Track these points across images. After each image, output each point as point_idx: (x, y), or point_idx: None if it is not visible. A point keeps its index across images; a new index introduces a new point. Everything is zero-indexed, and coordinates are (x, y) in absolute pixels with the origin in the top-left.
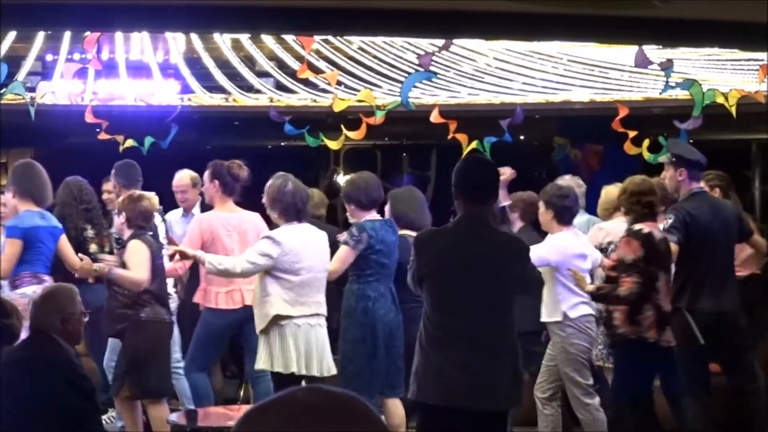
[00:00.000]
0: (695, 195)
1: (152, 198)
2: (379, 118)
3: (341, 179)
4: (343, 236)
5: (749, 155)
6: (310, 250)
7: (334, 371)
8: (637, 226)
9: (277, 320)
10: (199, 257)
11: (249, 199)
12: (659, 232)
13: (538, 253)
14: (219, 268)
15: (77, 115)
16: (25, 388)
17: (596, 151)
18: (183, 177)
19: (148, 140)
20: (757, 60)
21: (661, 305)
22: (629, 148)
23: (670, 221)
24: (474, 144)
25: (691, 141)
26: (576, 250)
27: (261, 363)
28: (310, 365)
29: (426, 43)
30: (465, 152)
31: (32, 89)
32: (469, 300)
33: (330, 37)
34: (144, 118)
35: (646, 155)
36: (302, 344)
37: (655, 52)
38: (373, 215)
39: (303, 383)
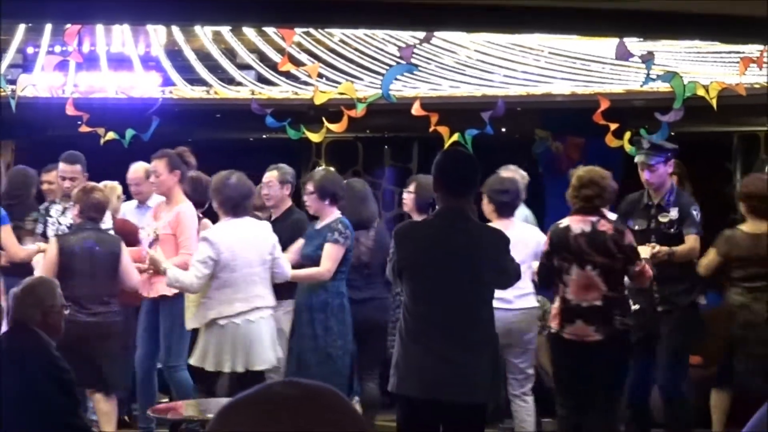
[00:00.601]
0: (679, 188)
1: (115, 188)
2: (360, 110)
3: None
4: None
5: (730, 147)
6: (247, 245)
7: (273, 364)
8: (562, 220)
9: (216, 320)
10: (165, 268)
11: None
12: (588, 226)
13: None
14: (175, 284)
15: (58, 107)
16: (5, 380)
17: (577, 144)
18: (137, 169)
19: (129, 133)
20: (738, 52)
21: (569, 299)
22: (610, 141)
23: (699, 214)
24: (455, 136)
25: (672, 133)
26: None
27: (193, 359)
28: (244, 361)
29: (407, 36)
30: (446, 145)
31: (13, 82)
32: (448, 292)
33: (311, 30)
34: (125, 110)
35: (628, 148)
36: (239, 342)
37: (635, 45)
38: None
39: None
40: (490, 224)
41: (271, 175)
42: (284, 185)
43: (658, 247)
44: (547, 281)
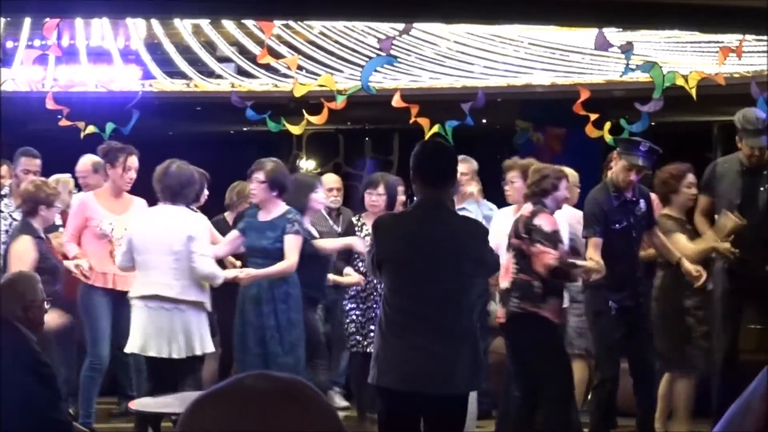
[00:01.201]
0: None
1: (68, 182)
2: (340, 102)
3: (303, 164)
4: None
5: (711, 137)
6: (155, 231)
7: (184, 354)
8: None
9: (131, 300)
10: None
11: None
12: (518, 213)
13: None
14: (119, 265)
15: (38, 101)
16: None
17: (558, 135)
18: (85, 162)
19: (110, 126)
20: (717, 42)
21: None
22: (591, 131)
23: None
24: (436, 128)
25: (652, 123)
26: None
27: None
28: (141, 344)
29: (387, 28)
30: (427, 136)
31: None
32: (428, 284)
33: (291, 22)
34: (105, 104)
35: (608, 138)
36: (141, 325)
37: (615, 35)
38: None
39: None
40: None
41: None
42: None
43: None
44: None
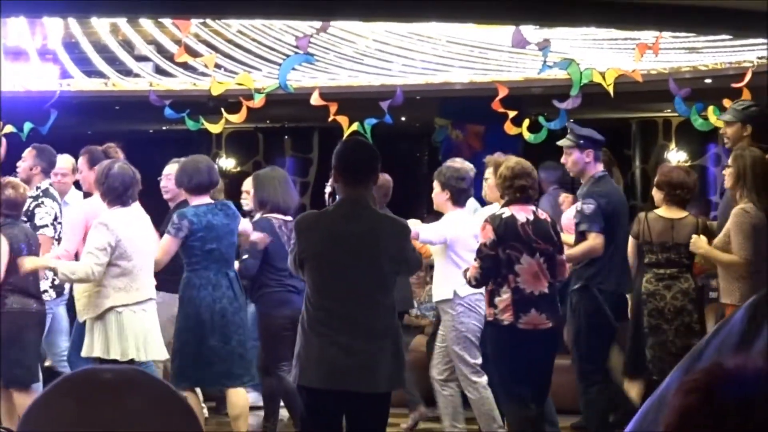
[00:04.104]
0: (603, 178)
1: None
2: (258, 101)
3: (223, 162)
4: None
5: (629, 134)
6: (139, 233)
7: (165, 356)
8: (500, 210)
9: (113, 308)
10: (52, 267)
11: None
12: (531, 215)
13: (436, 229)
14: (73, 278)
15: None
16: None
17: (477, 132)
18: (66, 162)
19: (27, 126)
20: (634, 39)
21: (522, 288)
22: (510, 128)
23: (590, 209)
24: (355, 126)
25: (571, 120)
26: (471, 230)
27: (95, 351)
28: (144, 350)
29: (305, 26)
30: (346, 134)
31: None
32: (349, 282)
33: (208, 21)
34: (23, 103)
35: (526, 135)
36: (139, 330)
37: (532, 32)
38: (203, 200)
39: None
40: (448, 214)
41: (171, 168)
42: None
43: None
44: (491, 272)
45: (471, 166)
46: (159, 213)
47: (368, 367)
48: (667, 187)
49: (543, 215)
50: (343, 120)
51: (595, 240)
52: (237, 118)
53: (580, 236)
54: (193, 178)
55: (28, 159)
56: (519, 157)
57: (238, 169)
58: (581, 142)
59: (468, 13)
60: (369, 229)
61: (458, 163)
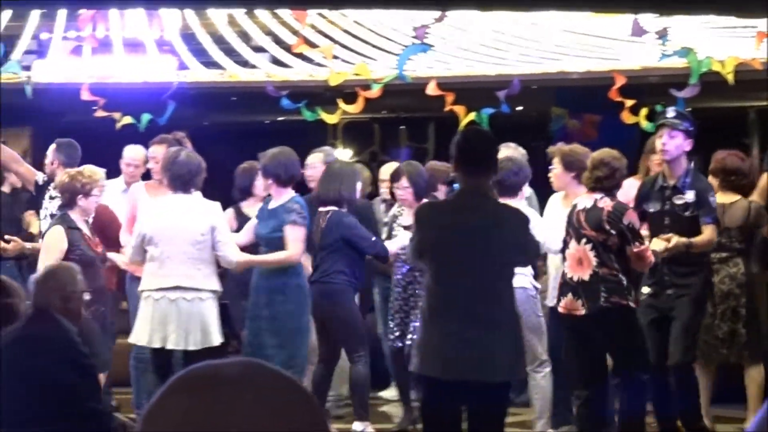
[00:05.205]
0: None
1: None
2: (375, 91)
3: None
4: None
5: (747, 123)
6: (173, 222)
7: (200, 346)
8: (579, 197)
9: (142, 292)
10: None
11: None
12: (591, 203)
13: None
14: (130, 260)
15: (73, 93)
16: (25, 366)
17: (593, 121)
18: (138, 152)
19: (145, 117)
20: (754, 26)
21: (565, 273)
22: (627, 117)
23: (714, 200)
24: (471, 116)
25: (688, 109)
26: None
27: (131, 336)
28: (167, 338)
29: (422, 16)
30: (462, 124)
31: (28, 68)
32: (469, 272)
33: (325, 11)
34: (140, 95)
35: (644, 124)
36: (158, 317)
37: (651, 21)
38: (292, 192)
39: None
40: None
41: (315, 158)
42: None
43: (674, 241)
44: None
45: (522, 152)
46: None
47: (487, 356)
48: (722, 174)
49: (605, 204)
50: (459, 110)
51: (715, 231)
52: (354, 109)
53: (695, 227)
54: (287, 170)
55: (49, 154)
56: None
57: (355, 159)
58: (690, 128)
59: (586, 1)
60: (489, 219)
61: (509, 149)
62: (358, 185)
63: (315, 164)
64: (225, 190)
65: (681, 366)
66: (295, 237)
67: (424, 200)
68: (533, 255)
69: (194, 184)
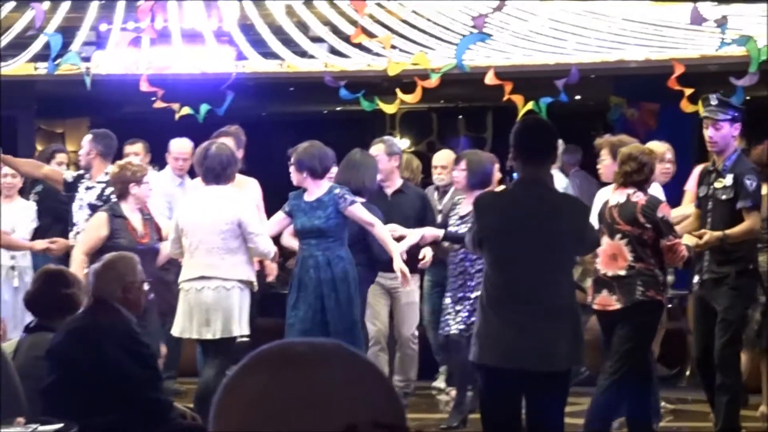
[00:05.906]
0: (743, 153)
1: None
2: (434, 81)
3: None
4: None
5: None
6: (201, 213)
7: (219, 335)
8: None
9: (180, 285)
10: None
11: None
12: (624, 198)
13: None
14: (170, 254)
15: (132, 84)
16: (86, 356)
17: (652, 110)
18: (185, 146)
19: (204, 108)
20: None
21: (598, 269)
22: (686, 106)
23: (754, 185)
24: (530, 105)
25: (747, 98)
26: None
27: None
28: (189, 329)
29: (480, 5)
30: (521, 113)
31: (87, 59)
32: (528, 261)
33: (383, 1)
34: (199, 85)
35: (702, 113)
36: (187, 308)
37: (710, 9)
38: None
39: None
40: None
41: (377, 148)
42: (392, 157)
43: (706, 238)
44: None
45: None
46: None
47: (545, 346)
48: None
49: (638, 198)
50: (518, 99)
51: (757, 218)
52: (412, 98)
53: (734, 212)
54: (322, 162)
55: (85, 145)
56: (638, 143)
57: (413, 149)
58: (736, 115)
59: None
60: (548, 208)
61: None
62: (378, 176)
63: (378, 154)
64: (283, 179)
65: (721, 360)
66: (364, 212)
67: (476, 192)
68: (592, 244)
69: (226, 175)
